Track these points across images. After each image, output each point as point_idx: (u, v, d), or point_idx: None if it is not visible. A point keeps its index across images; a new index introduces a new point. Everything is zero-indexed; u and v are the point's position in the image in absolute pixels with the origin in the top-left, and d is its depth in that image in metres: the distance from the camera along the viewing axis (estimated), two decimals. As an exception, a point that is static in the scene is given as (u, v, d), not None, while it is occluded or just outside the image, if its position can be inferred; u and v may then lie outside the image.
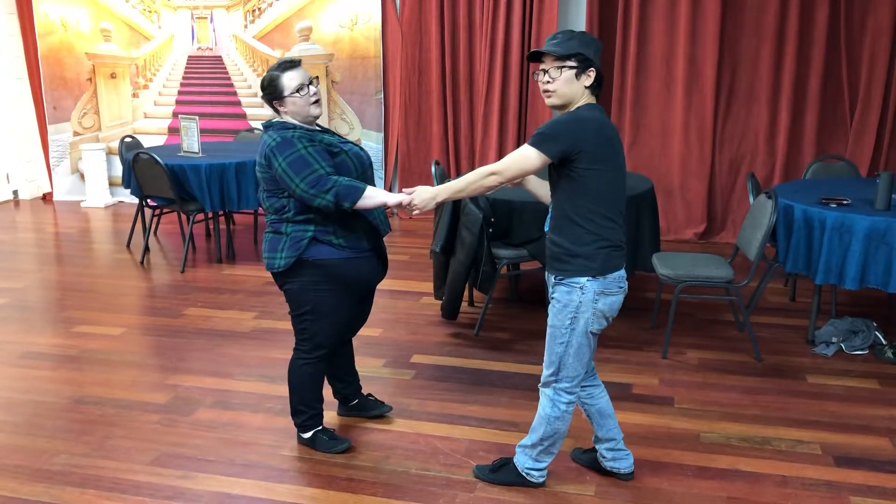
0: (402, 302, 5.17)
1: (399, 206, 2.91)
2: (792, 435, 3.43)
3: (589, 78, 2.63)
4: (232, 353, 4.38)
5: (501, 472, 3.07)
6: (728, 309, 4.92)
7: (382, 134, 7.44)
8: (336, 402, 3.61)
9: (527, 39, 6.69)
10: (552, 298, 2.78)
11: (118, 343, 4.55)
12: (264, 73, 3.04)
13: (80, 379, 4.08)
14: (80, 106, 8.22)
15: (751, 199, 4.81)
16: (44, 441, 3.45)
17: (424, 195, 2.85)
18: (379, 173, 7.53)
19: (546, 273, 2.85)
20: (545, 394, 2.88)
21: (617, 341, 4.46)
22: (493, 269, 4.42)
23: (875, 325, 4.39)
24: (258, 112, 7.78)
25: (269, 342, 4.52)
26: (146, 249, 6.19)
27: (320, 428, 3.33)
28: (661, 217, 6.51)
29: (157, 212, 6.30)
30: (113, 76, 8.07)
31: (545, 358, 2.84)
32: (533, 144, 2.60)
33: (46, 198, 8.53)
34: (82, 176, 8.30)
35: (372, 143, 7.50)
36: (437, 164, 4.94)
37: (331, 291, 3.07)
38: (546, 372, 2.85)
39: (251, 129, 7.19)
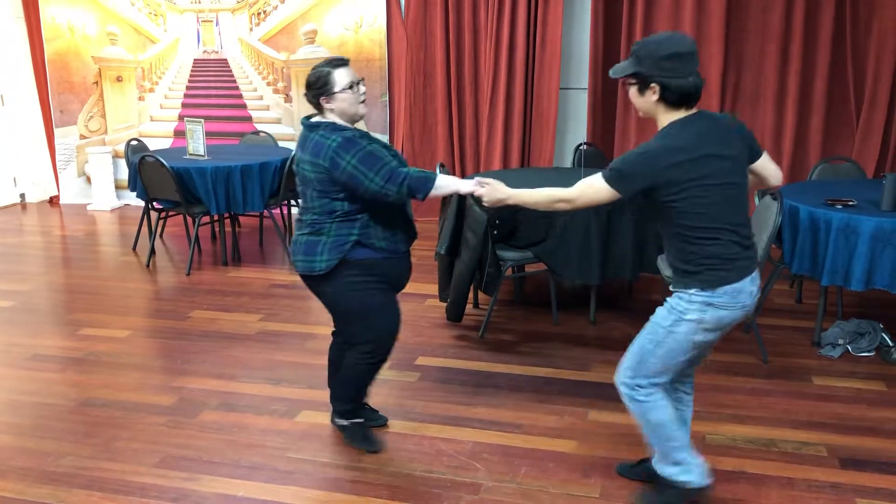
0: (407, 304, 5.17)
1: (470, 194, 2.96)
2: (798, 437, 3.42)
3: (654, 93, 2.52)
4: (237, 355, 4.39)
5: (663, 494, 2.87)
6: (734, 311, 4.90)
7: (388, 136, 7.44)
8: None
9: (532, 42, 6.68)
10: (667, 302, 2.68)
11: (124, 345, 4.56)
12: (310, 72, 3.04)
13: (87, 381, 4.09)
14: (87, 109, 8.25)
15: (756, 201, 4.80)
16: (50, 443, 3.46)
17: (497, 194, 2.84)
18: (384, 176, 7.52)
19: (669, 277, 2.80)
20: (621, 391, 2.79)
21: (622, 343, 4.44)
22: (498, 271, 4.41)
23: (882, 326, 4.37)
24: (263, 115, 7.79)
25: (274, 344, 4.53)
26: (152, 252, 6.21)
27: (360, 421, 3.37)
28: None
29: (163, 214, 6.32)
30: (119, 80, 8.10)
31: (629, 349, 2.75)
32: (607, 179, 2.53)
33: (53, 201, 8.56)
34: (89, 179, 8.33)
35: (377, 146, 7.50)
36: (441, 166, 4.94)
37: (376, 289, 3.08)
38: (624, 364, 2.77)
39: (257, 132, 7.20)
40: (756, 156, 2.69)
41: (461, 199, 4.35)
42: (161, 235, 6.94)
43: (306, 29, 7.46)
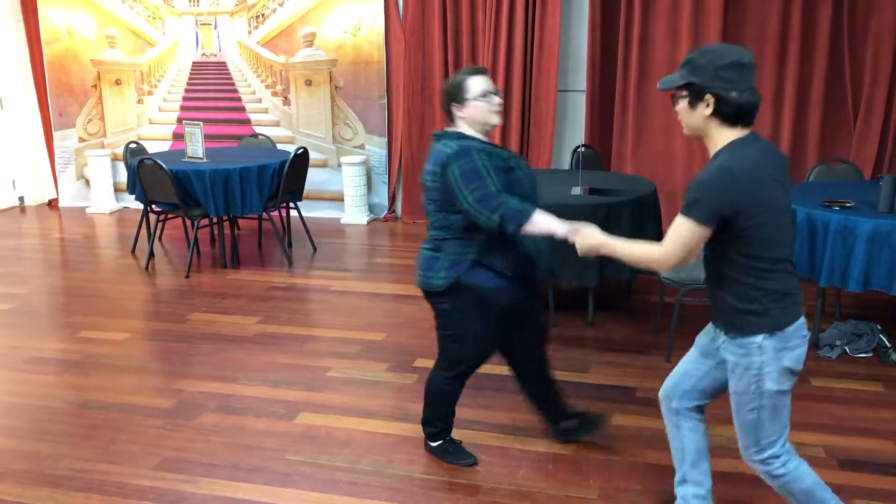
0: (407, 306, 5.18)
1: (564, 238, 2.69)
2: (796, 438, 3.42)
3: (707, 106, 2.28)
4: (236, 357, 4.39)
5: None
6: (732, 312, 4.91)
7: (386, 139, 7.45)
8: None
9: (530, 44, 6.70)
10: (727, 352, 2.43)
11: (123, 348, 4.56)
12: (444, 81, 3.02)
13: (85, 384, 4.09)
14: (86, 112, 8.26)
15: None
16: (48, 446, 3.46)
17: (590, 241, 2.57)
18: (383, 178, 7.54)
19: (714, 324, 2.54)
20: (758, 471, 2.52)
21: (621, 345, 4.46)
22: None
23: (879, 327, 4.38)
24: (262, 118, 7.80)
25: (273, 346, 4.53)
26: (151, 255, 6.21)
27: (448, 439, 3.30)
28: (665, 220, 6.50)
29: (162, 217, 6.32)
30: (118, 83, 8.11)
31: (737, 428, 2.48)
32: (692, 217, 2.24)
33: (52, 204, 8.57)
34: (87, 182, 8.33)
35: (376, 149, 7.51)
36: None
37: (480, 318, 2.98)
38: (743, 442, 2.48)
39: (255, 135, 7.21)
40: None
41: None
42: (160, 238, 6.94)
43: (305, 32, 7.47)
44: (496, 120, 2.93)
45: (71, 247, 6.88)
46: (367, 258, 6.36)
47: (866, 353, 4.27)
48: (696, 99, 2.30)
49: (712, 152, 2.33)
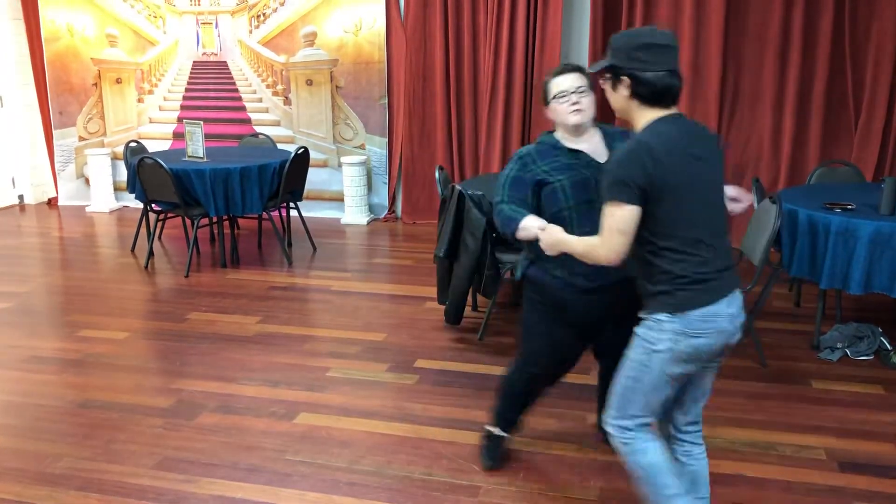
0: (406, 307, 5.17)
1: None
2: (797, 440, 3.41)
3: (626, 87, 2.29)
4: (236, 357, 4.38)
5: None
6: (732, 314, 4.90)
7: (387, 139, 7.45)
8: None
9: (531, 45, 6.69)
10: (637, 334, 2.42)
11: (122, 347, 4.55)
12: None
13: (84, 383, 4.08)
14: (86, 111, 8.25)
15: (755, 204, 4.80)
16: (47, 445, 3.45)
17: (551, 238, 2.53)
18: (383, 178, 7.54)
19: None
20: (611, 435, 2.53)
21: (621, 346, 4.45)
22: (497, 274, 4.41)
23: (880, 330, 4.37)
24: (262, 117, 7.79)
25: (272, 346, 4.52)
26: (150, 254, 6.20)
27: (500, 435, 3.23)
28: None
29: (162, 216, 6.32)
30: (118, 81, 8.10)
31: (613, 390, 2.50)
32: (610, 197, 2.24)
33: (52, 202, 8.56)
34: (87, 181, 8.33)
35: (376, 149, 7.51)
36: (441, 169, 4.94)
37: (544, 312, 2.96)
38: (610, 406, 2.51)
39: (256, 134, 7.20)
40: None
41: (460, 203, 4.35)
42: (160, 237, 6.93)
43: (306, 31, 7.46)
44: (573, 119, 2.76)
45: (70, 246, 6.87)
46: (367, 258, 6.36)
47: (867, 355, 4.26)
48: (615, 81, 2.32)
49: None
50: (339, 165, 7.56)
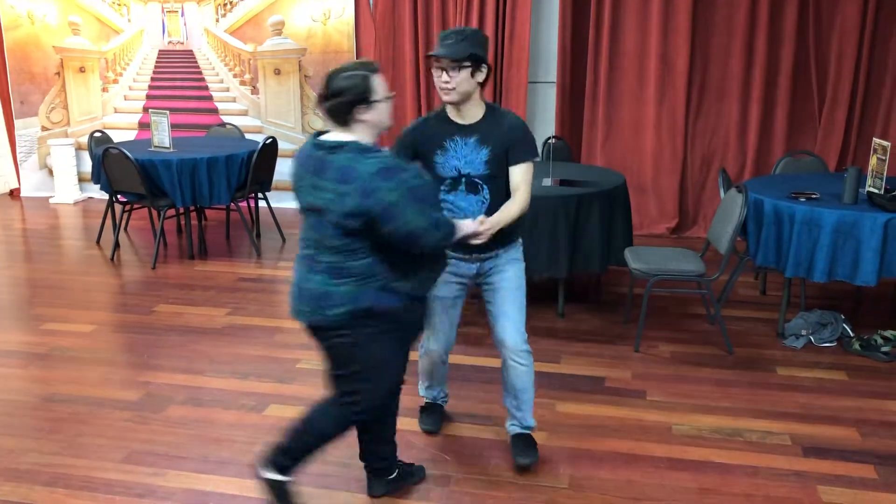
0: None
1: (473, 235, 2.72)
2: (762, 426, 3.47)
3: (482, 74, 2.85)
4: (204, 349, 4.34)
5: (533, 448, 3.17)
6: (699, 302, 4.97)
7: (356, 129, 7.40)
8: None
9: (501, 36, 6.69)
10: (510, 261, 3.03)
11: (88, 340, 4.49)
12: (335, 78, 2.45)
13: (50, 377, 4.02)
14: (49, 100, 8.09)
15: (722, 194, 4.86)
16: (12, 440, 3.40)
17: (488, 227, 2.77)
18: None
19: (472, 258, 3.02)
20: (525, 349, 3.05)
21: (590, 335, 4.49)
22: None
23: (843, 317, 4.46)
24: (230, 107, 7.71)
25: (241, 338, 4.49)
26: (116, 245, 6.11)
27: (291, 480, 2.76)
28: (634, 212, 6.56)
29: (128, 207, 6.23)
30: (82, 70, 7.96)
31: (513, 313, 3.01)
32: (534, 161, 2.95)
33: (14, 194, 8.39)
34: (51, 171, 8.18)
35: (345, 139, 7.46)
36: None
37: (393, 340, 2.65)
38: (520, 325, 3.03)
39: (223, 124, 7.12)
40: None
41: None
42: (125, 229, 6.84)
43: (273, 20, 7.39)
44: (390, 122, 2.58)
45: (34, 238, 6.75)
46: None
47: (831, 342, 4.34)
48: (476, 68, 2.81)
49: (467, 111, 2.88)
50: (309, 156, 7.49)
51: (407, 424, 3.50)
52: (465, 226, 2.70)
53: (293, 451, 2.69)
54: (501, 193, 2.93)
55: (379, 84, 2.48)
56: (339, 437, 2.72)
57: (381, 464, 2.94)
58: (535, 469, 3.14)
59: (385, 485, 2.98)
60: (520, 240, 3.08)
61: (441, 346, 3.25)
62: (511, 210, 2.89)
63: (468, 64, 2.78)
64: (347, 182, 2.37)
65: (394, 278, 2.51)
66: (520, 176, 2.92)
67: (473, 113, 2.91)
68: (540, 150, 6.41)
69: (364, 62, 2.51)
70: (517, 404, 3.14)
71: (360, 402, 2.66)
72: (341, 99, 2.43)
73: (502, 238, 2.92)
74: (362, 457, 2.96)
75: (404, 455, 3.25)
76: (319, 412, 2.71)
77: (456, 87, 2.79)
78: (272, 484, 2.70)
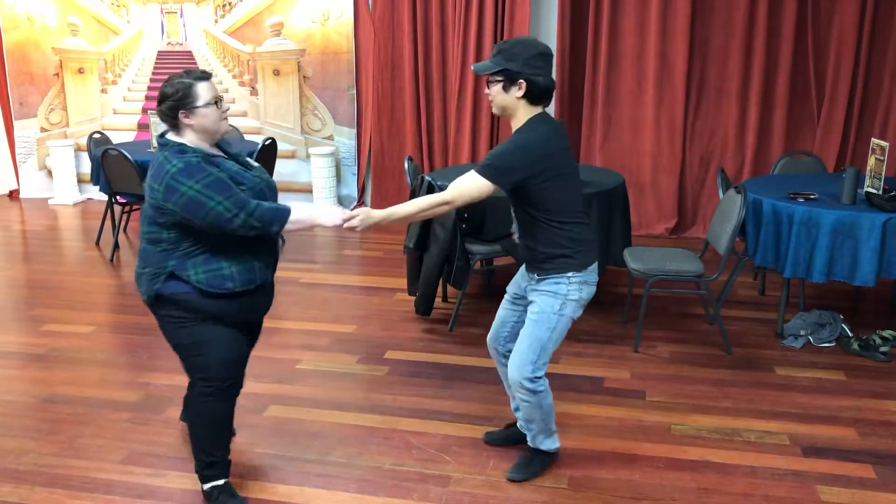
0: (376, 298, 5.16)
1: (336, 227, 2.74)
2: (761, 426, 3.48)
3: (520, 89, 2.70)
4: (204, 350, 4.34)
5: (534, 464, 3.12)
6: (698, 303, 4.98)
7: (355, 130, 7.41)
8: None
9: (499, 36, 6.69)
10: (535, 292, 2.88)
11: (88, 341, 4.49)
12: (165, 85, 2.72)
13: (49, 378, 4.02)
14: (48, 101, 8.09)
15: (720, 194, 4.86)
16: (11, 441, 3.40)
17: (370, 220, 2.76)
18: (352, 169, 7.50)
19: (525, 272, 2.97)
20: (525, 387, 2.89)
21: (589, 335, 4.49)
22: (467, 265, 4.42)
23: (842, 317, 4.46)
24: (229, 108, 7.70)
25: (241, 339, 4.49)
26: (116, 246, 6.12)
27: (222, 483, 2.94)
28: (633, 212, 6.56)
29: (127, 208, 6.23)
30: (81, 71, 7.96)
31: (523, 346, 2.88)
32: (486, 175, 2.70)
33: (13, 195, 8.39)
34: (50, 173, 8.18)
35: (345, 140, 7.47)
36: (409, 159, 4.94)
37: (197, 324, 2.80)
38: (525, 359, 2.87)
39: (222, 125, 7.11)
40: None
41: (430, 193, 4.34)
42: (125, 230, 6.84)
43: (272, 21, 7.39)
44: (225, 127, 2.76)
45: (33, 239, 6.75)
46: (336, 250, 6.33)
47: (829, 342, 4.35)
48: (509, 83, 2.71)
49: (515, 128, 2.78)
50: (308, 157, 7.50)
51: (405, 424, 3.51)
52: (321, 217, 2.72)
53: (199, 451, 2.90)
54: (522, 218, 2.83)
55: (204, 90, 2.67)
56: (213, 417, 2.87)
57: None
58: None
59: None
60: (569, 274, 2.82)
61: (490, 336, 3.18)
62: (405, 206, 2.76)
63: (500, 78, 2.72)
64: (157, 179, 2.61)
65: (184, 266, 2.68)
66: (456, 179, 2.75)
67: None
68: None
69: (193, 70, 2.74)
70: (525, 426, 3.12)
71: (202, 381, 2.83)
72: (166, 104, 2.71)
73: (537, 263, 2.85)
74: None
75: (403, 455, 3.26)
76: (189, 402, 2.99)
77: (493, 99, 2.79)
78: (207, 493, 2.92)
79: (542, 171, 2.70)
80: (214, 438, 2.91)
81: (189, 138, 2.71)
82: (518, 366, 2.89)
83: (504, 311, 3.10)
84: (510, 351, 3.05)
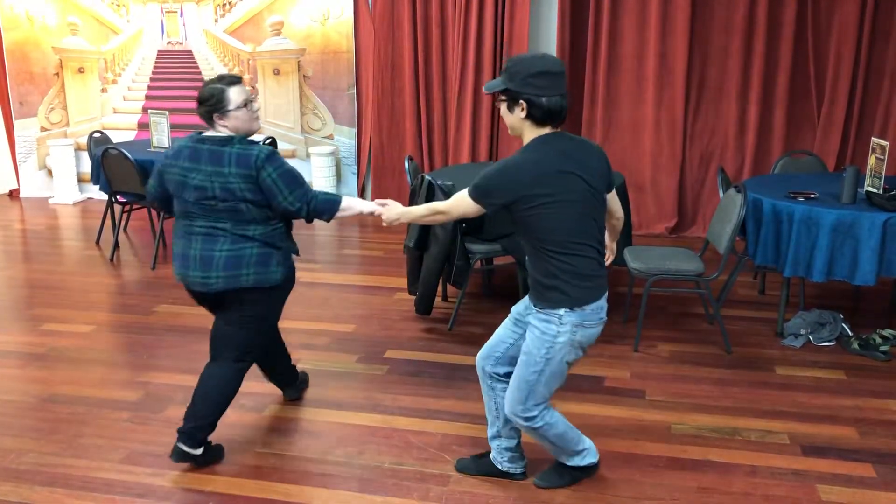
0: (376, 297, 5.16)
1: (371, 214, 3.07)
2: (761, 425, 3.48)
3: (522, 110, 2.56)
4: (203, 349, 4.34)
5: (565, 476, 3.03)
6: (699, 302, 4.98)
7: (355, 129, 7.41)
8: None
9: (499, 36, 6.69)
10: (530, 322, 2.72)
11: (88, 341, 4.49)
12: (201, 90, 2.99)
13: (49, 377, 4.02)
14: (48, 101, 8.09)
15: (721, 194, 4.86)
16: (11, 440, 3.40)
17: (392, 214, 2.96)
18: (352, 168, 7.50)
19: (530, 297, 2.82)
20: (517, 423, 2.82)
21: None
22: (467, 264, 4.42)
23: (842, 317, 4.46)
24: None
25: (241, 338, 4.49)
26: (116, 246, 6.12)
27: (210, 445, 3.22)
28: (633, 212, 6.57)
29: (127, 208, 6.23)
30: (81, 71, 7.96)
31: (514, 384, 2.76)
32: (471, 195, 2.64)
33: (13, 194, 8.39)
34: (50, 172, 8.18)
35: (345, 139, 7.47)
36: (410, 159, 4.94)
37: (282, 302, 3.23)
38: (514, 398, 2.77)
39: (222, 125, 7.11)
40: (610, 186, 2.79)
41: (430, 192, 4.35)
42: (125, 229, 6.84)
43: (272, 20, 7.39)
44: (257, 126, 3.08)
45: (33, 238, 6.75)
46: (336, 249, 6.33)
47: (829, 341, 4.35)
48: (512, 103, 2.57)
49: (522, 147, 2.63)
50: (308, 156, 7.51)
51: (405, 424, 3.51)
52: (364, 204, 3.08)
53: (204, 416, 3.12)
54: (522, 240, 2.71)
55: (235, 94, 2.94)
56: (234, 388, 3.16)
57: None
58: (535, 470, 3.14)
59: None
60: (560, 312, 2.61)
61: (482, 352, 2.98)
62: (415, 209, 2.91)
63: (504, 98, 2.60)
64: (247, 166, 2.92)
65: (290, 245, 3.13)
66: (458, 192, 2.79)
67: None
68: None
69: (225, 75, 2.99)
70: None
71: (246, 355, 3.20)
72: (203, 108, 2.96)
73: (534, 291, 2.69)
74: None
75: (403, 455, 3.26)
76: (229, 375, 3.22)
77: (504, 119, 2.69)
78: (193, 458, 3.14)
79: (530, 196, 2.52)
80: (223, 406, 3.15)
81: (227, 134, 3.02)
82: (510, 402, 2.79)
83: (503, 329, 2.91)
84: (497, 374, 2.92)
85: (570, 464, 2.98)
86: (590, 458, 2.99)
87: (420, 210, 2.88)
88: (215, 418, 3.11)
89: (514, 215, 2.60)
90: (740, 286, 5.32)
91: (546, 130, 2.59)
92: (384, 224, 2.99)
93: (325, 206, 3.02)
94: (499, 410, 2.97)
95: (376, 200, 3.04)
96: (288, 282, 3.13)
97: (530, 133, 2.60)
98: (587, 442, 2.99)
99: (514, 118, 2.60)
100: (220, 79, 2.98)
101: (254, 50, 7.50)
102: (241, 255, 2.98)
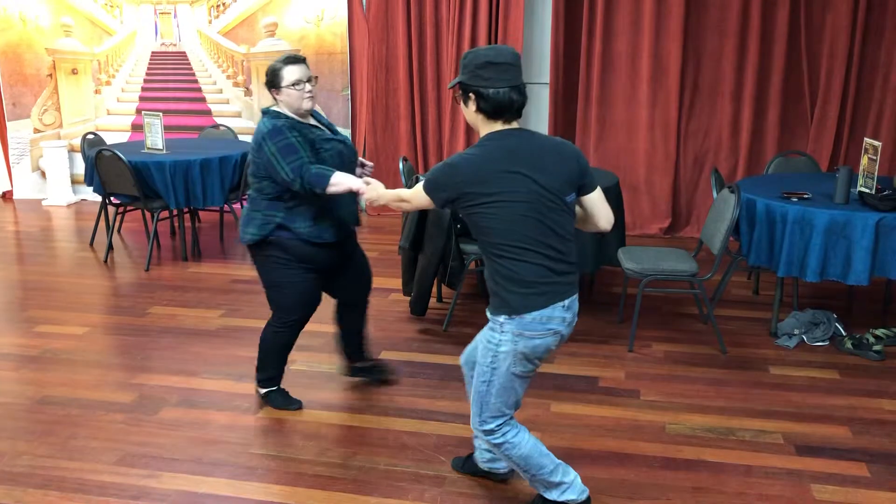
0: (371, 298, 5.14)
1: (358, 192, 3.12)
2: (755, 425, 3.49)
3: (473, 103, 2.47)
4: (198, 351, 4.34)
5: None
6: (693, 302, 4.99)
7: (350, 130, 7.41)
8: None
9: (494, 36, 6.70)
10: (485, 331, 2.62)
11: (82, 342, 4.48)
12: (268, 66, 3.33)
13: (43, 379, 4.01)
14: (41, 102, 8.07)
15: (714, 194, 4.88)
16: (5, 442, 3.39)
17: (372, 193, 2.95)
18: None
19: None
20: (479, 435, 2.70)
21: (583, 335, 4.50)
22: (462, 265, 4.43)
23: (835, 316, 4.47)
24: (223, 108, 7.70)
25: (235, 340, 4.48)
26: (110, 248, 6.10)
27: (276, 388, 3.66)
28: (627, 212, 6.57)
29: (121, 209, 6.22)
30: (74, 72, 7.94)
31: (474, 401, 2.65)
32: (423, 189, 2.54)
33: (6, 196, 8.36)
34: (43, 174, 8.15)
35: (339, 140, 7.46)
36: (404, 160, 4.94)
37: (289, 270, 3.37)
38: (472, 409, 2.68)
39: (216, 126, 7.11)
40: (586, 189, 2.59)
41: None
42: (119, 231, 6.82)
43: (266, 22, 7.38)
44: (307, 105, 3.28)
45: (27, 240, 6.73)
46: (330, 250, 6.32)
47: (823, 341, 4.36)
48: (465, 96, 2.50)
49: None
50: (302, 157, 7.49)
51: (400, 425, 3.51)
52: (343, 180, 3.10)
53: (263, 368, 3.61)
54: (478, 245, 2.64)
55: (290, 73, 3.23)
56: (282, 344, 3.54)
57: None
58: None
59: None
60: (501, 319, 2.49)
61: (463, 356, 2.93)
62: (397, 191, 2.78)
63: (459, 93, 2.54)
64: (254, 139, 3.25)
65: (293, 219, 3.27)
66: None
67: None
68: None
69: (291, 55, 3.29)
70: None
71: (280, 314, 3.48)
72: (266, 83, 3.29)
73: (490, 297, 2.58)
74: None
75: (399, 455, 3.26)
76: (264, 329, 3.58)
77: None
78: (263, 397, 3.66)
79: (471, 194, 2.41)
80: (278, 359, 3.59)
81: (283, 109, 3.30)
82: (471, 413, 2.68)
83: (482, 332, 2.70)
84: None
85: (549, 497, 2.73)
86: (570, 495, 2.70)
87: (390, 194, 2.84)
88: (268, 370, 3.61)
89: (460, 213, 2.52)
90: (734, 286, 5.33)
91: (499, 125, 2.48)
92: (364, 201, 3.03)
93: (317, 180, 3.11)
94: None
95: (363, 178, 3.13)
96: (269, 246, 3.31)
97: (484, 128, 2.50)
98: (570, 475, 2.72)
99: (469, 112, 2.52)
100: (285, 58, 3.28)
101: (248, 51, 7.49)
102: (243, 213, 3.39)
